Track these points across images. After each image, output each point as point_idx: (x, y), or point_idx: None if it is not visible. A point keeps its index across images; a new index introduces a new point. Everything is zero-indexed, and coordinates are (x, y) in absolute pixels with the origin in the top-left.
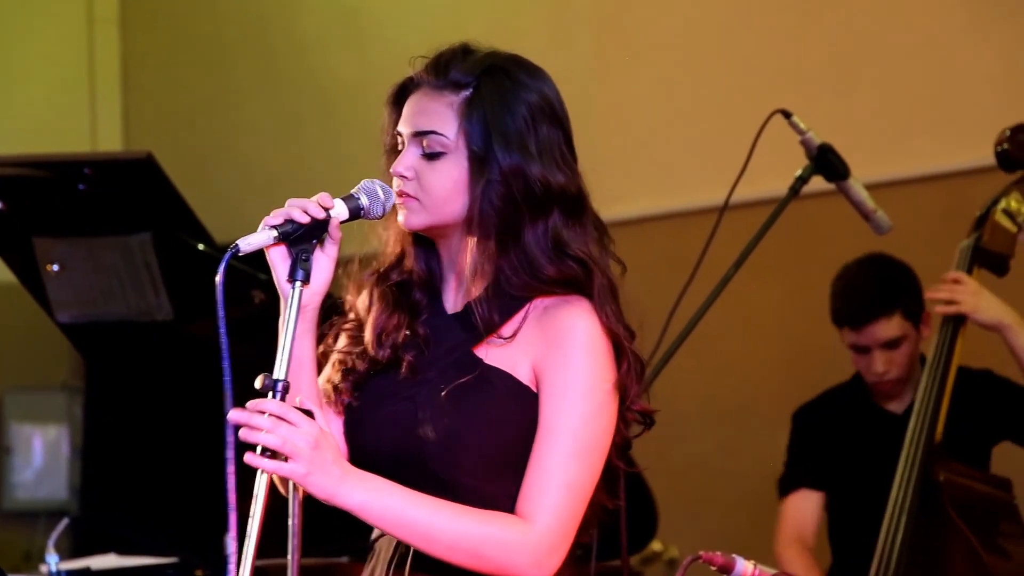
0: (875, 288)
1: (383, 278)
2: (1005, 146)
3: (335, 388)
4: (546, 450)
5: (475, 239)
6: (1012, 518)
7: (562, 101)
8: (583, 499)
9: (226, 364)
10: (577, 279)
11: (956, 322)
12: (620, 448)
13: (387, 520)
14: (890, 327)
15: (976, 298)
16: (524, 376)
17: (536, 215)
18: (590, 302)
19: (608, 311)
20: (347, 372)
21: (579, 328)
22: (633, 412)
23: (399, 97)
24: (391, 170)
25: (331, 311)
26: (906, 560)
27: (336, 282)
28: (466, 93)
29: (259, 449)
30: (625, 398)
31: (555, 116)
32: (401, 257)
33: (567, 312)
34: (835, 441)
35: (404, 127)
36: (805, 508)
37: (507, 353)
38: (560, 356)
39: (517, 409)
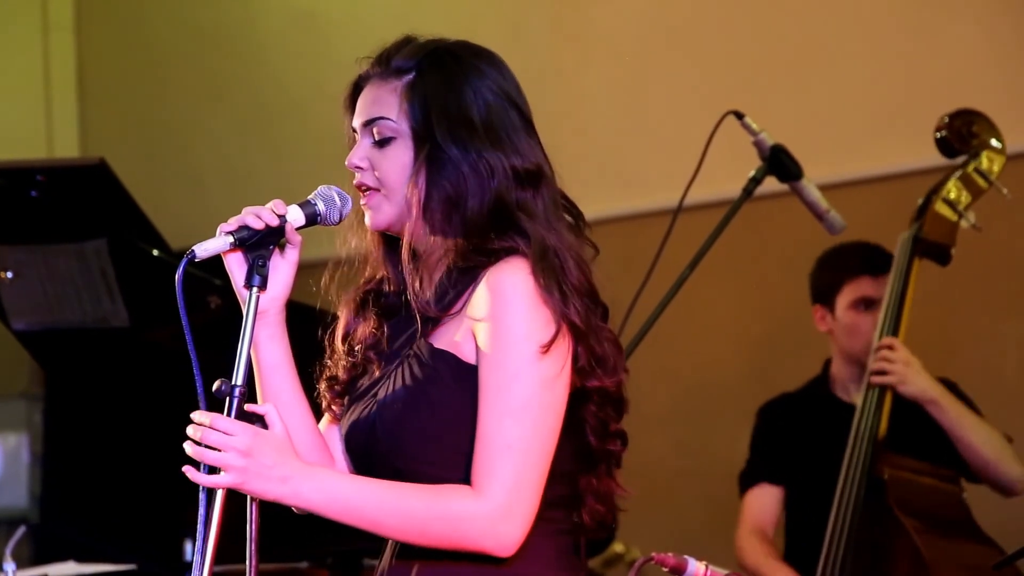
0: (884, 249)
1: (358, 288)
2: (943, 132)
3: (324, 399)
4: (484, 411)
5: (417, 219)
6: (959, 510)
7: (516, 83)
8: (534, 460)
9: (196, 366)
10: (519, 249)
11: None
12: (597, 429)
13: (337, 511)
14: None
15: (906, 369)
16: (470, 352)
17: (480, 188)
18: (526, 260)
19: (548, 277)
20: (331, 381)
21: (507, 283)
22: (592, 391)
23: (353, 99)
24: (346, 164)
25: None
26: (852, 558)
27: (303, 287)
28: (408, 77)
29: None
30: (581, 374)
31: (506, 96)
32: (376, 269)
33: (499, 270)
34: (796, 435)
35: (355, 121)
36: (764, 502)
37: (454, 332)
38: (488, 314)
39: (461, 391)
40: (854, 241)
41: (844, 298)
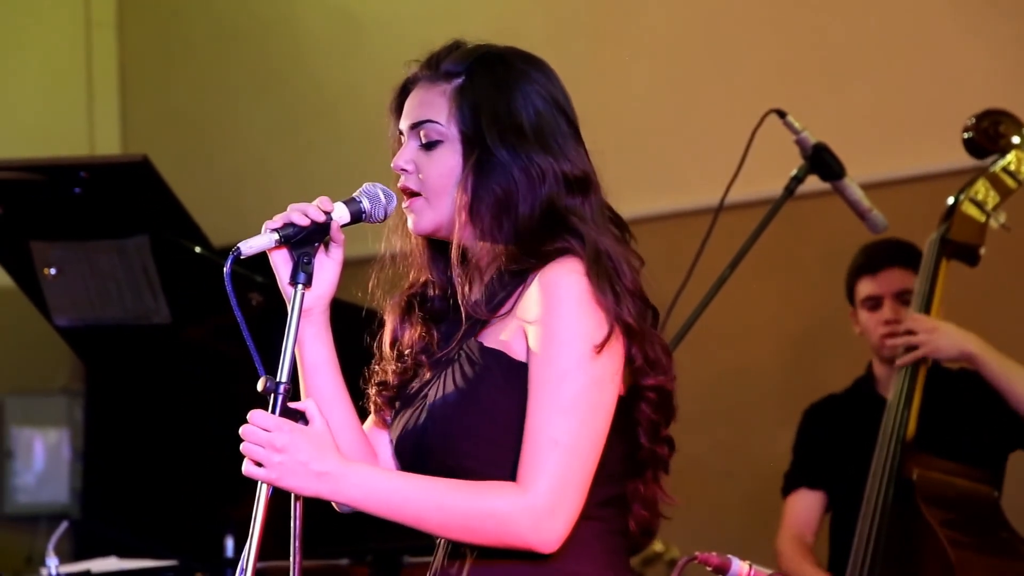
0: (894, 243)
1: (403, 293)
2: (970, 134)
3: (374, 405)
4: (533, 407)
5: (465, 222)
6: (991, 511)
7: (564, 91)
8: (581, 458)
9: (256, 359)
10: (572, 249)
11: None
12: (649, 430)
13: (378, 507)
14: (905, 277)
15: (932, 336)
16: (520, 350)
17: (531, 192)
18: (580, 260)
19: (601, 276)
20: (380, 386)
21: (561, 282)
22: (649, 389)
23: (400, 101)
24: (392, 166)
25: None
26: (881, 559)
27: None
28: (458, 81)
29: None
30: (637, 374)
31: (555, 102)
32: (420, 273)
33: (552, 270)
34: (841, 437)
35: (403, 123)
36: (804, 507)
37: (505, 329)
38: (541, 311)
39: (511, 389)
40: (870, 241)
41: (857, 300)
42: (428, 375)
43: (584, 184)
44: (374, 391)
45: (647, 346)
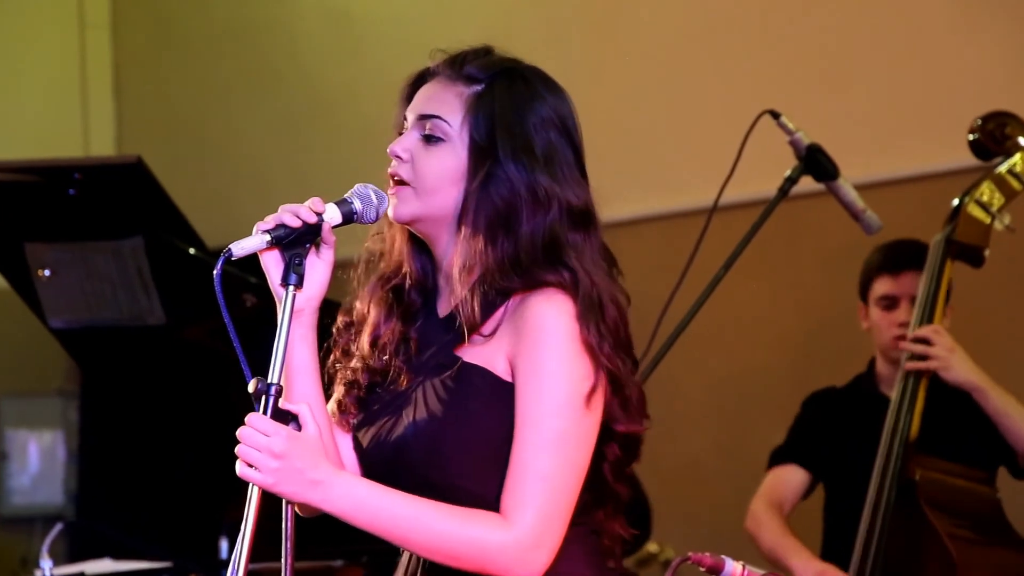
0: (916, 246)
1: (383, 284)
2: (976, 135)
3: (340, 405)
4: (520, 442)
5: (465, 233)
6: (992, 511)
7: (576, 122)
8: (565, 493)
9: (243, 362)
10: (563, 285)
11: None
12: (614, 467)
13: (365, 521)
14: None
15: (950, 355)
16: (502, 370)
17: (534, 215)
18: (570, 300)
19: (591, 321)
20: (350, 386)
21: (551, 318)
22: (618, 435)
23: (413, 88)
24: (388, 150)
25: (329, 317)
26: (884, 558)
27: (338, 286)
28: (477, 88)
29: None
30: (609, 420)
31: (566, 132)
32: (401, 262)
33: (541, 302)
34: (838, 429)
35: (411, 111)
36: (787, 480)
37: (486, 349)
38: (530, 345)
39: (497, 405)
40: (891, 240)
41: (871, 296)
42: (405, 383)
43: (586, 218)
44: (342, 391)
45: (627, 390)
